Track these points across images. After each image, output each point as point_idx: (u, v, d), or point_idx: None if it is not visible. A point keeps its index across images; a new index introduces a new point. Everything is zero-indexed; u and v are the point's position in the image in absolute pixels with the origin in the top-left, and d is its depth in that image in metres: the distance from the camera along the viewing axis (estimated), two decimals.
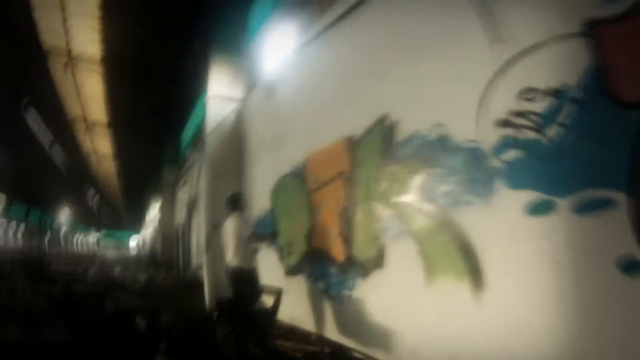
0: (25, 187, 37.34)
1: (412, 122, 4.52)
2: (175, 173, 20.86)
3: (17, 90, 22.82)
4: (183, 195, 18.11)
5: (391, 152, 4.85)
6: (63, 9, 15.23)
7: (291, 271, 7.34)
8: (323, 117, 6.62)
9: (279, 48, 8.79)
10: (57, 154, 34.96)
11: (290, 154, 7.54)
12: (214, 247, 9.17)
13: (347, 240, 5.62)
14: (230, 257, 6.18)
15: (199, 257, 14.35)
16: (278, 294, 5.86)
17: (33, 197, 40.20)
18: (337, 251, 5.87)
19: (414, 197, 4.43)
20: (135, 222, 48.44)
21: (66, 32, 16.57)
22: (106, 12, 14.71)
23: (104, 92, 20.74)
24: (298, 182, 7.23)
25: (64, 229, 53.94)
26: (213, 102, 10.16)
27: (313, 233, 6.66)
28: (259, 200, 8.68)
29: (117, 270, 18.94)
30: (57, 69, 19.48)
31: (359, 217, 5.44)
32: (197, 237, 14.66)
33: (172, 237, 21.09)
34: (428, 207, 4.20)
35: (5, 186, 36.82)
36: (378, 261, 4.95)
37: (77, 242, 51.44)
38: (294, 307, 6.73)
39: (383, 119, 5.03)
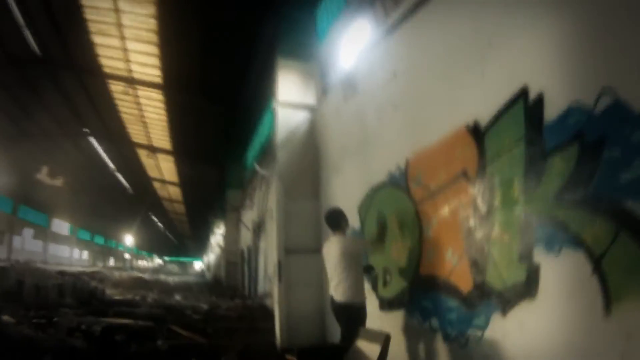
0: (89, 212, 37.82)
1: (566, 91, 3.19)
2: (239, 194, 19.79)
3: (81, 116, 22.78)
4: (248, 218, 16.90)
5: (540, 135, 3.43)
6: (122, 37, 14.78)
7: (389, 305, 5.86)
8: (425, 106, 5.26)
9: (352, 46, 7.60)
10: (123, 180, 35.12)
11: (383, 158, 6.13)
12: (287, 275, 7.90)
13: (477, 262, 4.20)
14: (334, 288, 5.25)
15: (266, 285, 13.06)
16: (386, 341, 4.35)
17: (98, 222, 40.74)
18: (461, 278, 4.46)
19: (583, 194, 3.00)
20: (200, 248, 48.22)
21: (125, 57, 16.22)
22: (162, 36, 14.19)
23: (166, 117, 20.32)
24: (397, 192, 5.79)
25: (127, 255, 54.64)
26: (282, 110, 8.86)
27: (422, 255, 5.21)
28: None
29: (177, 297, 17.69)
30: (118, 94, 19.31)
31: (496, 229, 3.96)
32: (265, 263, 13.38)
33: (236, 263, 19.98)
34: (606, 207, 2.83)
35: (69, 211, 37.39)
36: (528, 288, 3.48)
37: (139, 268, 51.70)
38: (393, 352, 5.22)
39: (522, 93, 3.63)
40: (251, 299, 14.72)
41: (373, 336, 4.52)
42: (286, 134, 8.67)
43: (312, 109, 8.91)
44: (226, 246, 21.84)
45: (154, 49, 15.40)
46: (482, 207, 4.15)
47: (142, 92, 18.85)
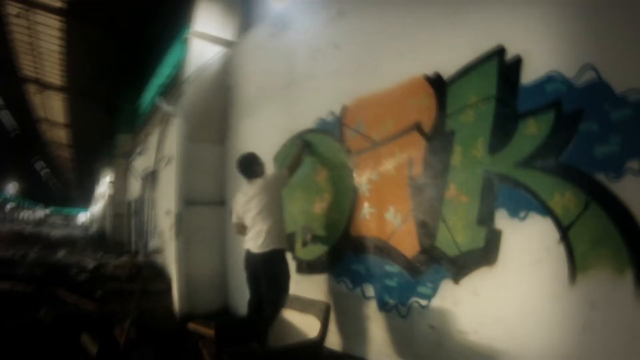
0: None
1: (547, 58, 2.98)
2: (130, 140, 17.82)
3: None
4: (138, 166, 15.18)
5: (514, 97, 3.17)
6: None
7: (309, 267, 5.08)
8: (374, 50, 4.47)
9: None
10: (6, 120, 31.06)
11: (313, 103, 5.22)
12: (187, 231, 6.80)
13: (425, 224, 3.78)
14: (253, 238, 4.52)
15: (157, 241, 11.72)
16: (326, 313, 3.49)
17: None
18: (404, 241, 3.97)
19: (555, 162, 2.90)
20: (86, 198, 44.39)
21: None
22: None
23: (60, 48, 17.78)
24: (327, 140, 4.93)
25: (9, 204, 49.43)
26: (196, 42, 7.56)
27: (354, 213, 4.49)
28: None
29: (60, 254, 15.84)
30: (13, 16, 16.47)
31: (452, 189, 3.58)
32: (156, 216, 12.01)
33: (123, 215, 18.18)
34: (576, 175, 2.79)
35: None
36: (487, 254, 3.26)
37: (23, 218, 46.95)
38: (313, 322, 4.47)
39: (497, 51, 3.30)
40: (140, 256, 13.29)
41: (307, 306, 3.68)
42: (197, 68, 7.40)
43: (230, 45, 7.71)
44: (112, 197, 19.85)
45: None
46: (437, 164, 3.68)
47: (40, 17, 16.18)
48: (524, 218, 3.01)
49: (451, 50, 3.61)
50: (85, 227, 41.97)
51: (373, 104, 4.37)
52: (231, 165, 6.79)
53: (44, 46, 18.14)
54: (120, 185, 18.89)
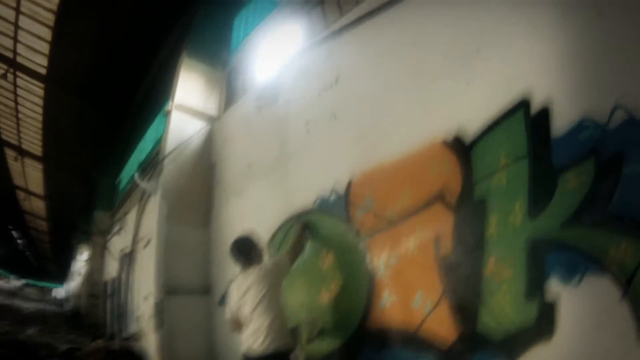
0: None
1: (576, 103, 2.65)
2: (108, 218, 16.91)
3: None
4: (116, 246, 14.22)
5: (548, 150, 2.76)
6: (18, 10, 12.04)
7: None
8: (379, 116, 4.00)
9: (274, 54, 6.24)
10: None
11: (311, 180, 4.62)
12: (170, 321, 5.92)
13: (463, 307, 3.14)
14: (252, 335, 3.67)
15: (137, 326, 10.63)
16: None
17: None
18: (439, 327, 3.28)
19: (603, 213, 2.48)
20: (62, 274, 42.41)
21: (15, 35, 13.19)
22: (59, 18, 11.65)
23: (42, 117, 17.09)
24: (332, 221, 4.29)
25: None
26: (177, 115, 7.02)
27: (372, 302, 3.79)
28: None
29: (30, 331, 14.41)
30: None
31: (491, 263, 3.00)
32: (136, 300, 10.98)
33: (98, 296, 16.93)
34: (628, 223, 2.37)
35: None
36: (542, 328, 2.68)
37: None
38: None
39: (522, 103, 2.93)
40: (116, 341, 12.09)
41: None
42: (178, 144, 6.79)
43: (213, 120, 7.16)
44: (88, 275, 18.62)
45: (47, 32, 12.57)
46: (470, 237, 3.14)
47: (22, 81, 15.54)
48: (579, 282, 2.54)
49: (469, 107, 3.21)
50: (60, 303, 39.69)
51: (383, 177, 3.80)
52: (216, 250, 6.07)
53: (25, 112, 17.46)
54: (96, 264, 17.71)
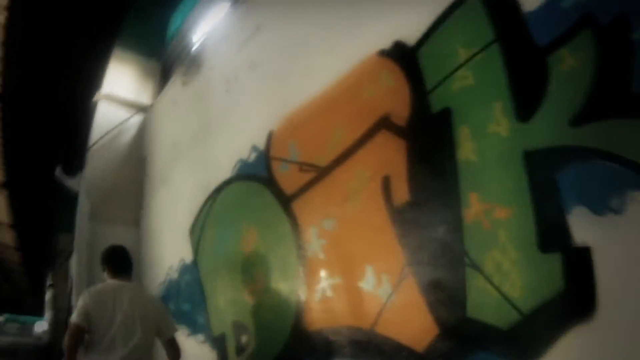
0: None
1: None
2: (70, 239, 15.63)
3: None
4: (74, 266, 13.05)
5: (522, 30, 1.82)
6: None
7: None
8: (300, 54, 3.07)
9: (201, 28, 5.57)
10: None
11: (231, 146, 3.57)
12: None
13: (439, 285, 1.98)
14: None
15: None
16: None
17: None
18: (402, 323, 2.13)
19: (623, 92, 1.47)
20: (41, 306, 40.26)
21: None
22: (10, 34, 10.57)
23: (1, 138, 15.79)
24: (251, 187, 3.21)
25: None
26: (104, 106, 6.00)
27: (308, 292, 2.66)
28: (170, 249, 4.43)
29: None
30: None
31: (474, 205, 1.88)
32: None
33: (65, 321, 15.59)
34: None
35: None
36: (577, 300, 1.51)
37: None
38: None
39: None
40: None
41: None
42: (105, 136, 5.75)
43: (145, 109, 6.15)
44: (53, 301, 17.25)
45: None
46: (435, 169, 2.06)
47: None
48: (620, 207, 1.43)
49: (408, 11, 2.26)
50: (39, 336, 37.64)
51: (308, 118, 2.80)
52: (146, 252, 5.03)
53: None
54: (60, 288, 16.38)
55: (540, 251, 1.65)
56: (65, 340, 2.71)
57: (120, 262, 3.03)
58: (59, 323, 16.42)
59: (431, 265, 2.01)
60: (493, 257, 1.79)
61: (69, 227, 15.56)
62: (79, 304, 2.82)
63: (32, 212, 20.71)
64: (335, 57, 2.66)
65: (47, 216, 18.98)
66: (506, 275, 1.73)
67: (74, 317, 2.71)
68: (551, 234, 1.63)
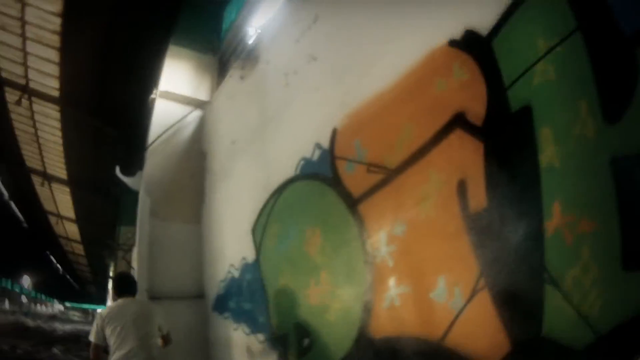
0: None
1: None
2: (131, 232, 16.22)
3: None
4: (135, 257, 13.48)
5: (608, 17, 1.56)
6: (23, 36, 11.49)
7: None
8: (363, 44, 2.87)
9: (257, 22, 5.45)
10: (17, 211, 29.60)
11: (291, 142, 3.50)
12: None
13: (513, 299, 1.83)
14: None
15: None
16: None
17: None
18: (472, 337, 2.00)
19: None
20: (102, 294, 42.38)
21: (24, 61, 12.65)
22: (65, 39, 11.02)
23: (61, 139, 16.57)
24: (315, 187, 3.10)
25: (23, 297, 47.56)
26: (162, 103, 6.09)
27: (372, 301, 2.56)
28: (232, 247, 4.44)
29: (54, 351, 13.67)
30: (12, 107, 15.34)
31: (556, 215, 1.69)
32: None
33: None
34: None
35: None
36: None
37: (38, 313, 44.76)
38: None
39: None
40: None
41: None
42: (164, 134, 5.82)
43: (203, 105, 6.18)
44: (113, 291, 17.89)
45: (55, 55, 11.98)
46: (514, 173, 1.88)
47: (38, 106, 15.03)
48: None
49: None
50: None
51: (374, 114, 2.64)
52: (208, 248, 5.06)
53: (45, 137, 16.97)
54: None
55: (624, 270, 1.50)
56: (91, 356, 3.56)
57: (124, 285, 3.79)
58: None
59: (507, 279, 1.86)
60: (574, 275, 1.64)
61: (131, 220, 16.20)
62: (95, 325, 3.62)
63: (93, 208, 21.69)
64: (401, 48, 2.51)
65: (109, 211, 19.83)
66: (586, 294, 1.59)
67: (92, 338, 3.52)
68: (638, 252, 1.47)
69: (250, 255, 3.95)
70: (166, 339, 3.70)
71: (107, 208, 19.89)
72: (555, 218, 1.69)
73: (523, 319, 1.79)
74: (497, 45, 1.98)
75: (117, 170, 7.24)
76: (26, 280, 43.94)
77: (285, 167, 3.44)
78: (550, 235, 1.70)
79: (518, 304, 1.81)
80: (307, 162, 3.20)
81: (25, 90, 13.74)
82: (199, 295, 5.20)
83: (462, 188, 2.07)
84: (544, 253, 1.72)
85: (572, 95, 1.69)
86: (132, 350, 3.38)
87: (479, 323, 1.95)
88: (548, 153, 1.74)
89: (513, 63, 1.91)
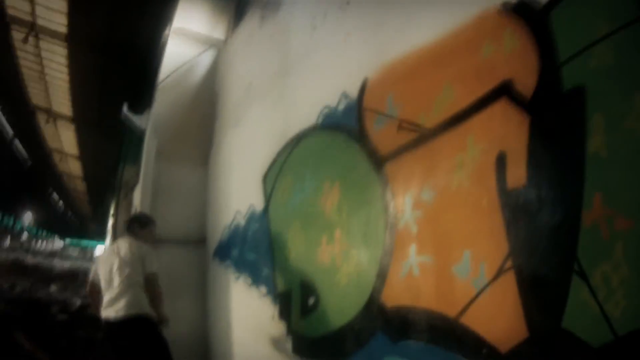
0: None
1: None
2: (134, 172, 16.23)
3: None
4: (137, 196, 13.52)
5: None
6: None
7: (313, 349, 3.02)
8: None
9: None
10: (19, 150, 29.78)
11: (314, 90, 3.29)
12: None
13: (540, 284, 1.71)
14: (111, 303, 3.48)
15: None
16: None
17: None
18: (491, 318, 1.88)
19: None
20: (102, 231, 43.05)
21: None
22: None
23: (68, 77, 16.36)
24: (338, 139, 2.93)
25: (24, 233, 48.42)
26: (175, 40, 5.82)
27: (390, 264, 2.41)
28: (239, 194, 4.37)
29: (52, 288, 14.18)
30: (18, 44, 15.08)
31: (596, 206, 1.54)
32: None
33: None
34: None
35: None
36: None
37: (37, 249, 45.62)
38: None
39: None
40: None
41: None
42: (175, 72, 5.61)
43: (218, 44, 5.93)
44: (115, 230, 18.14)
45: None
46: (558, 156, 1.73)
47: (45, 43, 14.78)
48: None
49: None
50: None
51: (412, 69, 2.42)
52: (213, 193, 4.95)
53: (51, 74, 16.85)
54: (122, 217, 17.19)
55: None
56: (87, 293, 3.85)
57: (127, 224, 4.10)
58: None
59: (536, 263, 1.74)
60: (603, 271, 1.52)
61: (134, 159, 16.18)
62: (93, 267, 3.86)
63: (97, 146, 21.69)
64: (448, 4, 2.27)
65: (113, 149, 19.79)
66: (612, 293, 1.49)
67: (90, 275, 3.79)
68: None
69: (258, 203, 3.84)
70: (148, 280, 3.56)
71: (111, 146, 19.88)
72: (594, 209, 1.56)
73: (545, 307, 1.69)
74: (555, 17, 1.78)
75: (125, 107, 7.00)
76: (28, 217, 44.65)
77: (306, 114, 3.26)
78: (587, 226, 1.57)
79: (543, 290, 1.71)
80: (330, 112, 3.01)
81: (33, 27, 13.46)
82: (201, 239, 5.15)
83: (501, 161, 1.90)
84: (577, 243, 1.59)
85: (629, 86, 1.52)
86: (116, 294, 3.44)
87: (500, 305, 1.84)
88: (596, 141, 1.58)
89: (570, 39, 1.71)
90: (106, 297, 3.51)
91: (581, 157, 1.60)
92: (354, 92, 2.79)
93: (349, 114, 2.80)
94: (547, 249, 1.69)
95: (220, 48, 5.89)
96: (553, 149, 1.72)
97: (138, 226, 3.90)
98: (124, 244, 3.67)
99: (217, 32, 6.13)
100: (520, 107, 1.85)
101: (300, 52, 3.61)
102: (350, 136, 2.78)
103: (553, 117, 1.74)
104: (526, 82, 1.83)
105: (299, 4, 3.87)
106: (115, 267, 3.51)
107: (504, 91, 1.92)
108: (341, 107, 2.90)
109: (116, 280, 3.47)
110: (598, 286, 1.51)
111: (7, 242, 41.47)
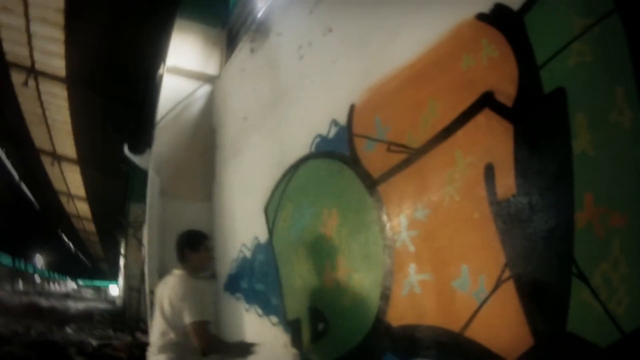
0: None
1: None
2: (141, 209, 16.39)
3: None
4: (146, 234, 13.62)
5: None
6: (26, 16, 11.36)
7: None
8: (384, 14, 2.73)
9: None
10: (28, 192, 30.05)
11: (306, 118, 3.40)
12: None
13: (539, 291, 1.76)
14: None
15: None
16: None
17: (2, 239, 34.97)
18: (494, 330, 1.92)
19: None
20: (115, 271, 43.24)
21: (28, 42, 12.56)
22: (69, 17, 10.86)
23: (70, 118, 16.62)
24: (333, 167, 2.99)
25: (37, 277, 48.52)
26: (170, 79, 5.97)
27: (390, 287, 2.48)
28: (244, 226, 4.43)
29: (68, 330, 13.96)
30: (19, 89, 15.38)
31: (587, 206, 1.62)
32: None
33: (137, 289, 16.42)
34: None
35: None
36: None
37: (50, 292, 45.83)
38: None
39: None
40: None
41: None
42: (172, 110, 5.74)
43: (213, 80, 6.07)
44: (125, 269, 18.27)
45: (59, 34, 11.92)
46: (546, 160, 1.77)
47: (45, 86, 15.08)
48: None
49: None
50: (113, 300, 40.44)
51: (396, 89, 2.51)
52: (219, 226, 5.02)
53: (53, 117, 17.05)
54: (132, 256, 17.31)
55: None
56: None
57: (180, 248, 3.09)
58: (131, 289, 17.38)
59: (534, 270, 1.78)
60: (603, 270, 1.56)
61: (141, 197, 16.33)
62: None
63: (103, 186, 21.88)
64: (424, 20, 2.37)
65: (119, 189, 19.99)
66: (614, 292, 1.53)
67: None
68: None
69: (262, 234, 3.90)
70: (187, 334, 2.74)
71: (117, 186, 20.07)
72: (586, 209, 1.61)
73: (548, 313, 1.73)
74: (529, 20, 1.85)
75: (125, 148, 7.14)
76: (39, 260, 44.79)
77: (299, 144, 3.35)
78: (581, 227, 1.62)
79: (544, 296, 1.75)
80: (322, 140, 3.10)
81: (32, 71, 13.74)
82: (211, 275, 5.19)
83: (489, 172, 1.96)
84: (573, 245, 1.64)
85: (609, 80, 1.59)
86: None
87: (502, 315, 1.88)
88: (582, 140, 1.64)
89: (546, 41, 1.78)
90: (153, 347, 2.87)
91: (568, 158, 1.66)
92: (343, 118, 2.88)
93: (340, 141, 2.89)
94: (543, 255, 1.73)
95: (214, 83, 6.02)
96: (539, 154, 1.78)
97: (189, 250, 3.03)
98: (166, 287, 2.93)
99: (210, 67, 6.28)
100: (503, 116, 1.92)
101: (289, 83, 3.71)
102: (343, 162, 2.86)
103: (536, 122, 1.80)
104: (507, 90, 1.90)
105: (285, 34, 3.99)
106: (168, 313, 2.79)
107: (486, 102, 1.99)
108: (332, 134, 2.99)
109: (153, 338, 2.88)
110: (599, 286, 1.55)
111: (20, 285, 41.56)
